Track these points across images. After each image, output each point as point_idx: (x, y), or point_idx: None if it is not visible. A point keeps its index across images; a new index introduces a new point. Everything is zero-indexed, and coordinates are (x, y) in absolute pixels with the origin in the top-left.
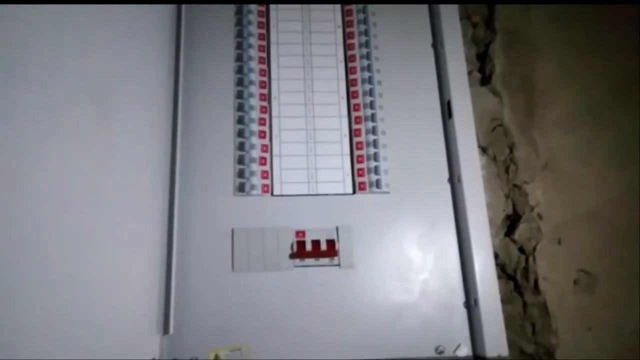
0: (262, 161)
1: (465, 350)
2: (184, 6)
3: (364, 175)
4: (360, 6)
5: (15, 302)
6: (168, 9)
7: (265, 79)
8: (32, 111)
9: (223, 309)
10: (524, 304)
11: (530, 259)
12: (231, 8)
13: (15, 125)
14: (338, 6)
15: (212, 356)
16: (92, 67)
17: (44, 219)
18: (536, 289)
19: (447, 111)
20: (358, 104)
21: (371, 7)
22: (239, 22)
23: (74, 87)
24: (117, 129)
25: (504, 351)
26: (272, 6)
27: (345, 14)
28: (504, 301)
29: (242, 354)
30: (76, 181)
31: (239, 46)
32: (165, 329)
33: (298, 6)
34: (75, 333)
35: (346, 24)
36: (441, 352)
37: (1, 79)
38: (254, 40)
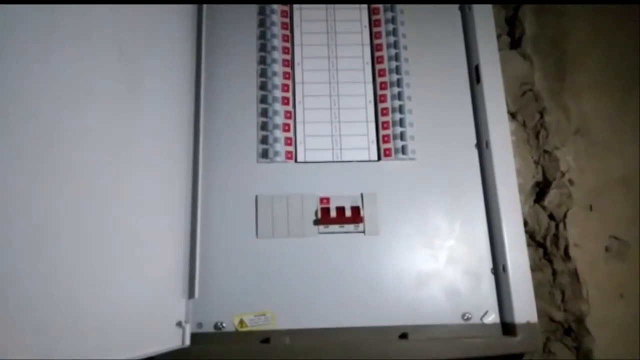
0: (286, 128)
1: (492, 317)
2: None
3: (389, 141)
4: None
5: (38, 262)
6: None
7: (288, 44)
8: (65, 69)
9: (247, 275)
10: (554, 272)
11: (561, 226)
12: None
13: (45, 82)
14: None
15: (236, 321)
16: (122, 27)
17: (71, 176)
18: (566, 255)
19: (475, 76)
20: (383, 70)
21: None
22: None
23: (104, 43)
24: (144, 92)
25: (533, 317)
26: None
27: None
28: (533, 269)
29: (267, 319)
30: (103, 140)
31: (261, 11)
32: (191, 293)
33: None
34: (99, 295)
35: None
36: (468, 319)
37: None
38: (276, 7)
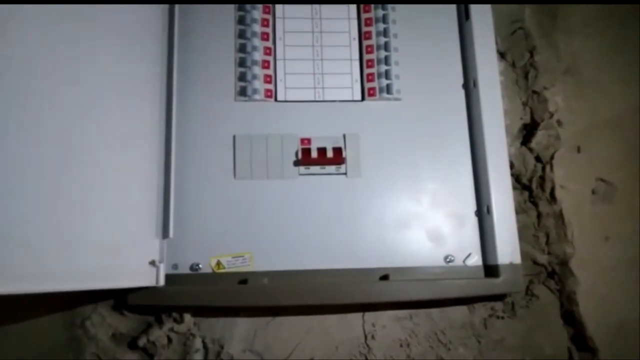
0: (265, 64)
1: (475, 259)
2: None
3: (373, 80)
4: None
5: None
6: None
7: None
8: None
9: (225, 216)
10: (539, 215)
11: (547, 168)
12: None
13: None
14: None
15: (213, 262)
16: None
17: (40, 113)
18: (552, 197)
19: (464, 13)
20: (368, 6)
21: None
22: None
23: None
24: (113, 26)
25: (516, 259)
26: None
27: None
28: (518, 211)
29: (245, 260)
30: (72, 77)
31: None
32: (165, 233)
33: None
34: (71, 232)
35: None
36: (450, 262)
37: None
38: None
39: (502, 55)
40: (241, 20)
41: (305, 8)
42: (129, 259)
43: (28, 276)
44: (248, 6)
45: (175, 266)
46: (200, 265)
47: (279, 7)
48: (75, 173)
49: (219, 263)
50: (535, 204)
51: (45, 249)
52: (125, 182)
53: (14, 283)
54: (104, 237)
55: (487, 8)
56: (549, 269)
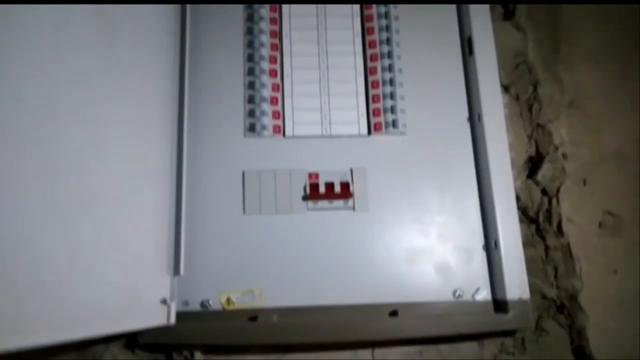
0: (273, 101)
1: (484, 293)
2: None
3: (379, 115)
4: None
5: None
6: None
7: (276, 15)
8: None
9: (234, 252)
10: (546, 248)
11: (554, 201)
12: None
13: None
14: None
15: (223, 299)
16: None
17: (50, 148)
18: (559, 231)
19: (467, 48)
20: (374, 41)
21: None
22: None
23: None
24: (125, 62)
25: (525, 293)
26: None
27: None
28: (525, 245)
29: (254, 297)
30: (82, 115)
31: None
32: (176, 270)
33: None
34: (81, 269)
35: None
36: (459, 296)
37: None
38: None
39: (506, 88)
40: (250, 58)
41: (312, 44)
42: (141, 298)
43: (42, 326)
44: (256, 43)
45: (185, 303)
46: (211, 302)
47: (286, 44)
48: (86, 212)
49: (228, 299)
50: (543, 237)
51: (57, 294)
52: (136, 220)
53: (28, 336)
54: (117, 278)
55: (490, 42)
56: (558, 303)
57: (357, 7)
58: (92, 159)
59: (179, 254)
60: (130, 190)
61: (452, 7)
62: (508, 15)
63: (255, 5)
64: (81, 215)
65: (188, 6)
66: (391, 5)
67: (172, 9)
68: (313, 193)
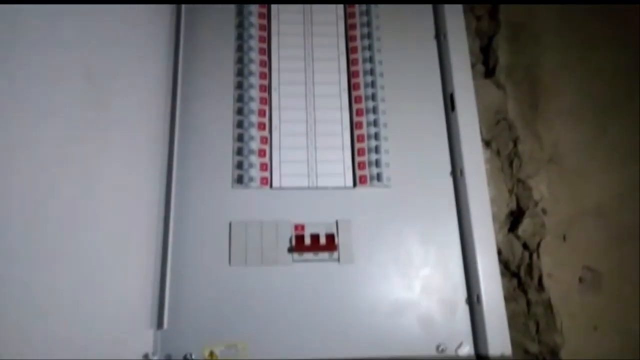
0: (262, 153)
1: (467, 349)
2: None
3: (364, 168)
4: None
5: (6, 295)
6: (168, 8)
7: (265, 70)
8: (28, 88)
9: (219, 304)
10: (528, 302)
11: (535, 255)
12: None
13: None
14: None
15: (206, 352)
16: (90, 50)
17: (37, 205)
18: (540, 286)
19: (450, 104)
20: (359, 96)
21: None
22: (239, 12)
23: (70, 64)
24: (115, 115)
25: (507, 350)
26: None
27: (347, 7)
28: (507, 299)
29: (238, 350)
30: (70, 167)
31: (239, 37)
32: (159, 324)
33: None
34: (65, 325)
35: (348, 16)
36: (442, 351)
37: None
38: (254, 31)
39: (487, 143)
40: (240, 111)
41: (300, 98)
42: (123, 354)
43: None
44: (246, 97)
45: (168, 356)
46: (194, 356)
47: (275, 98)
48: (70, 263)
49: (212, 353)
50: (525, 292)
51: (38, 346)
52: (121, 273)
53: None
54: (99, 332)
55: (472, 99)
56: (540, 358)
57: (344, 63)
58: (79, 209)
59: (163, 307)
60: (115, 241)
61: (436, 65)
62: (489, 74)
63: (246, 59)
64: (64, 267)
65: (180, 60)
66: (377, 62)
67: (163, 60)
68: (299, 245)
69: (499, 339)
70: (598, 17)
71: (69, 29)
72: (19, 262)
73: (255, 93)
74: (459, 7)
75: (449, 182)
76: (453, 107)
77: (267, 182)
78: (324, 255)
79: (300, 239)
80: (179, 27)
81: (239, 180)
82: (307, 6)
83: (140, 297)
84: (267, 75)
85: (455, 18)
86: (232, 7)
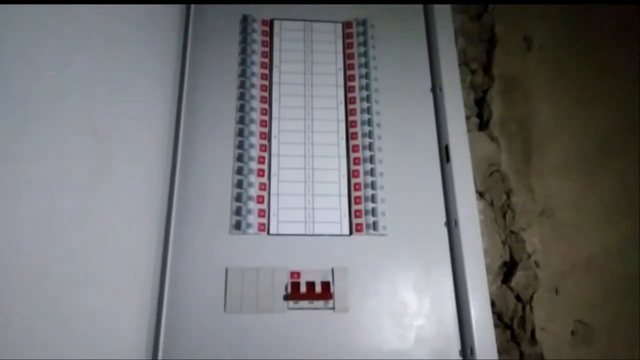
0: (260, 199)
1: None
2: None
3: (361, 216)
4: (362, 51)
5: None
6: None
7: (266, 117)
8: (32, 146)
9: (213, 351)
10: (521, 355)
11: (527, 308)
12: (234, 37)
13: (14, 164)
14: (340, 50)
15: None
16: (93, 104)
17: (40, 245)
18: (533, 339)
19: (445, 155)
20: (357, 145)
21: (372, 52)
22: (242, 51)
23: (75, 123)
24: (117, 164)
25: None
26: (276, 39)
27: (346, 57)
28: (501, 351)
29: None
30: (72, 217)
31: (241, 85)
32: None
33: (300, 37)
34: None
35: (347, 67)
36: None
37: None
38: (256, 80)
39: (481, 194)
40: (240, 158)
41: (299, 147)
42: None
43: None
44: (246, 144)
45: None
46: None
47: (274, 145)
48: (62, 307)
49: None
50: (518, 344)
51: None
52: (113, 321)
53: None
54: None
55: (466, 151)
56: None
57: (342, 110)
58: (77, 246)
59: (157, 353)
60: (113, 286)
61: (431, 117)
62: (483, 127)
63: (247, 107)
64: (60, 306)
65: (184, 100)
66: (374, 113)
67: (163, 110)
68: (294, 293)
69: None
70: (590, 72)
71: (74, 69)
72: (16, 292)
73: (255, 140)
74: (454, 60)
75: (443, 232)
76: (448, 158)
77: (264, 228)
78: (319, 303)
79: (296, 286)
80: (183, 72)
81: (237, 226)
82: (309, 54)
83: (134, 345)
84: (267, 123)
85: (450, 71)
86: (234, 37)
